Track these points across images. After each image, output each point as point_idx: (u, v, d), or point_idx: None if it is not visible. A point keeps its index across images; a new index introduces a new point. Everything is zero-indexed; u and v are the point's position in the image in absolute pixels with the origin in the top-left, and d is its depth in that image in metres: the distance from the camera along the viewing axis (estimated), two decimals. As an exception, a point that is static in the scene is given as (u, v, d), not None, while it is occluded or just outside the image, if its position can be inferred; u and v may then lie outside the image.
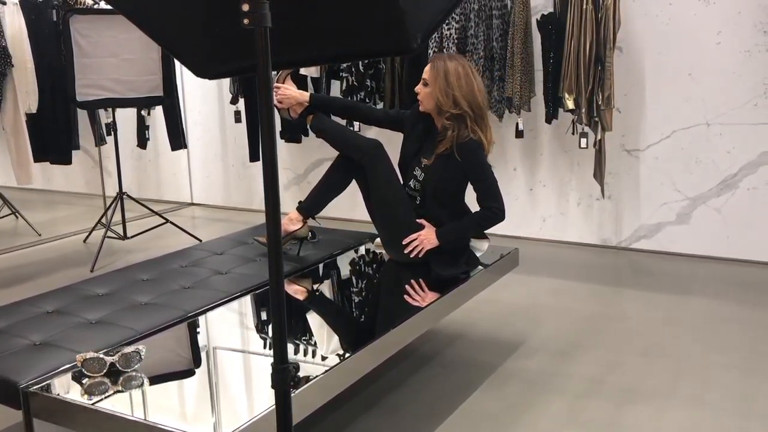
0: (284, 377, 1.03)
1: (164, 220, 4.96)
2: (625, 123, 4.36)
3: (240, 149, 5.84)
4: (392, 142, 3.08)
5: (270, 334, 2.45)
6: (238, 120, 5.37)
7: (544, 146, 4.69)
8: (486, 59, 4.25)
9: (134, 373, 1.99)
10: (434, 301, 2.55)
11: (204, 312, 2.49)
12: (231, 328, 2.53)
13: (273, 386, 1.05)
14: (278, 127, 5.35)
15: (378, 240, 3.21)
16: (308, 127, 3.09)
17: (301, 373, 2.05)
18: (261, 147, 1.04)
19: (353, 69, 4.62)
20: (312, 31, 1.15)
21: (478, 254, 2.93)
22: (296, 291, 2.83)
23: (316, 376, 1.94)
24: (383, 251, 3.16)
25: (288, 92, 3.04)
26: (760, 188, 4.15)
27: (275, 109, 3.09)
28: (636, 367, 2.96)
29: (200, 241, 4.89)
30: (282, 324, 1.08)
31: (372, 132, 4.18)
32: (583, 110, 4.03)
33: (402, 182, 2.93)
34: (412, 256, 2.81)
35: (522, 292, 3.83)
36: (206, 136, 6.04)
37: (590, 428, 2.52)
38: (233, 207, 6.06)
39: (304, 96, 3.05)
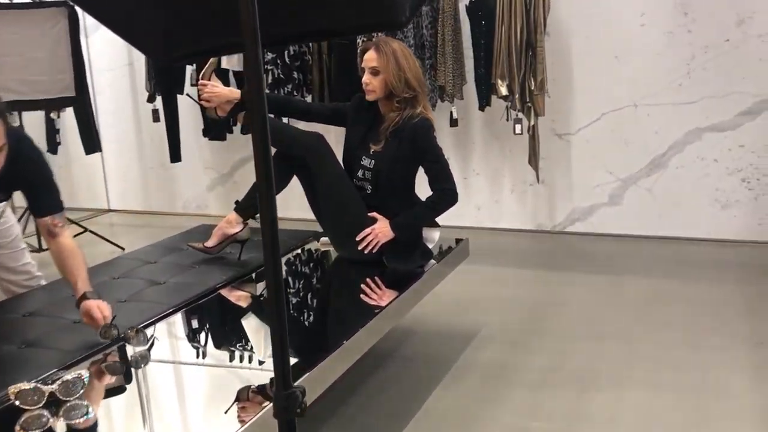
0: (290, 404, 0.90)
1: (83, 229, 4.65)
2: (555, 107, 4.36)
3: (158, 150, 5.55)
4: (330, 136, 2.96)
5: (234, 345, 2.29)
6: (156, 119, 5.09)
7: (476, 134, 4.65)
8: (416, 47, 4.16)
9: (78, 402, 1.79)
10: (395, 299, 2.44)
11: (146, 327, 2.29)
12: (180, 343, 2.34)
13: (276, 415, 0.91)
14: (201, 125, 5.11)
15: (324, 238, 3.07)
16: (241, 125, 2.91)
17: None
18: (254, 153, 0.90)
19: (279, 61, 4.45)
20: (297, 4, 1.02)
21: (430, 245, 2.84)
22: (242, 298, 2.66)
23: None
24: (331, 249, 3.03)
25: (216, 90, 2.85)
26: (688, 166, 4.24)
27: (201, 108, 2.90)
28: (588, 353, 2.95)
29: (123, 249, 4.62)
30: (284, 343, 0.95)
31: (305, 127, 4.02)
32: (517, 96, 4.00)
33: (348, 175, 2.80)
34: (366, 252, 2.68)
35: (465, 283, 3.76)
36: (121, 138, 5.71)
37: (555, 418, 2.47)
38: (154, 212, 5.76)
39: (234, 93, 2.87)
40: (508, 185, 4.67)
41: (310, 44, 4.54)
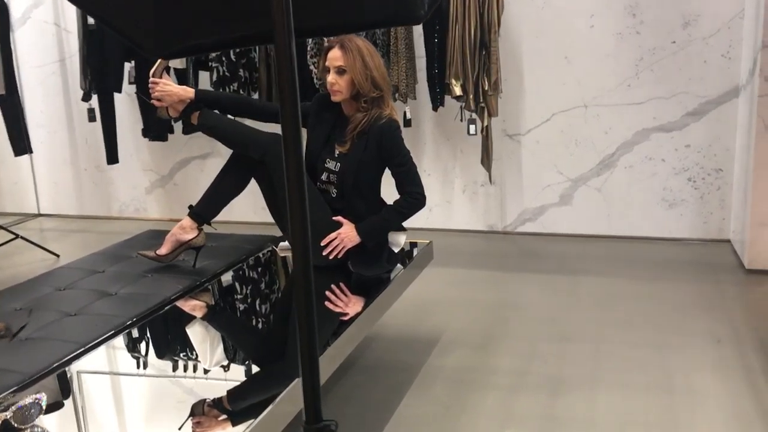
0: None
1: (14, 235, 4.37)
2: (506, 108, 4.35)
3: (93, 151, 5.29)
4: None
5: (191, 358, 2.15)
6: (92, 119, 4.84)
7: (427, 135, 4.60)
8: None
9: (36, 429, 1.63)
10: (368, 306, 2.34)
11: (102, 342, 2.13)
12: (141, 359, 2.19)
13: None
14: (139, 125, 4.88)
15: (284, 243, 2.95)
16: (183, 126, 2.76)
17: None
18: (285, 162, 0.80)
19: (224, 58, 4.28)
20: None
21: (396, 249, 2.75)
22: (198, 308, 2.52)
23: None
24: (288, 255, 2.91)
25: (168, 88, 2.69)
26: (636, 166, 4.30)
27: (152, 107, 2.74)
28: (555, 355, 2.92)
29: (57, 256, 4.37)
30: (314, 374, 0.84)
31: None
32: (471, 96, 3.96)
33: (311, 178, 2.68)
34: (331, 257, 2.58)
35: (421, 286, 3.68)
36: (52, 139, 5.41)
37: (529, 423, 2.43)
38: (88, 216, 5.48)
39: (188, 92, 2.71)
40: (459, 186, 4.63)
41: (256, 42, 4.39)
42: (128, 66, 4.65)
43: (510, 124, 4.43)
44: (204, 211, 2.73)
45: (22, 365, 1.93)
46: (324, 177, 2.66)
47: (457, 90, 3.95)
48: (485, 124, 4.06)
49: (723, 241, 4.22)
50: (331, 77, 2.56)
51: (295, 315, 2.49)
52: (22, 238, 4.40)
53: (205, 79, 4.49)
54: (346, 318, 2.30)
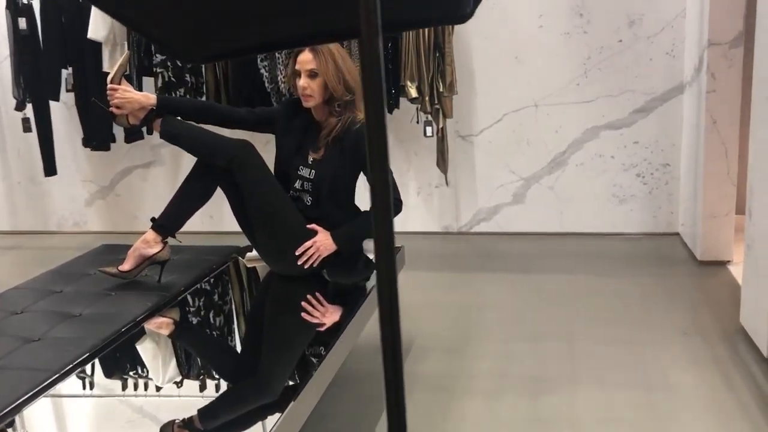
0: None
1: (-54, 256, 4.10)
2: (458, 109, 4.34)
3: (27, 163, 5.02)
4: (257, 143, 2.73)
5: (167, 378, 2.03)
6: (27, 129, 4.58)
7: (380, 137, 4.55)
8: (320, 49, 3.99)
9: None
10: (353, 317, 2.28)
11: (78, 367, 1.99)
12: (121, 382, 2.06)
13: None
14: (78, 134, 4.66)
15: (251, 254, 2.85)
16: (157, 132, 2.62)
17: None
18: (369, 161, 0.74)
19: (169, 64, 4.13)
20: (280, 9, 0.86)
21: (371, 255, 2.69)
22: (170, 327, 2.40)
23: None
24: (259, 266, 2.82)
25: (128, 95, 2.55)
26: (587, 163, 4.37)
27: (111, 115, 2.60)
28: (530, 355, 2.92)
29: (-5, 275, 4.13)
30: (400, 401, 0.78)
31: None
32: (426, 98, 3.94)
33: (284, 187, 2.59)
34: (307, 266, 2.50)
35: (386, 290, 3.66)
36: (-20, 151, 5.11)
37: (516, 425, 2.42)
38: (23, 231, 5.20)
39: (149, 98, 2.58)
40: (414, 188, 4.61)
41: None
42: (65, 73, 4.43)
43: (462, 125, 4.44)
44: (168, 223, 2.61)
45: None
46: (297, 185, 2.58)
47: (413, 92, 3.92)
48: (441, 125, 4.05)
49: (672, 234, 4.33)
50: (302, 81, 2.47)
51: (269, 327, 2.42)
52: (-46, 257, 4.14)
53: (149, 85, 4.31)
54: (332, 330, 2.22)
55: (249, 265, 2.88)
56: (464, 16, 0.97)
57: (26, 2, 4.34)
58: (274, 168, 2.62)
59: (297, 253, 2.49)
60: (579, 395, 2.58)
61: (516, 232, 4.53)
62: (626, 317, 3.24)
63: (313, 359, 2.06)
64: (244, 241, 3.03)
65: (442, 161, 4.15)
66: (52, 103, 4.50)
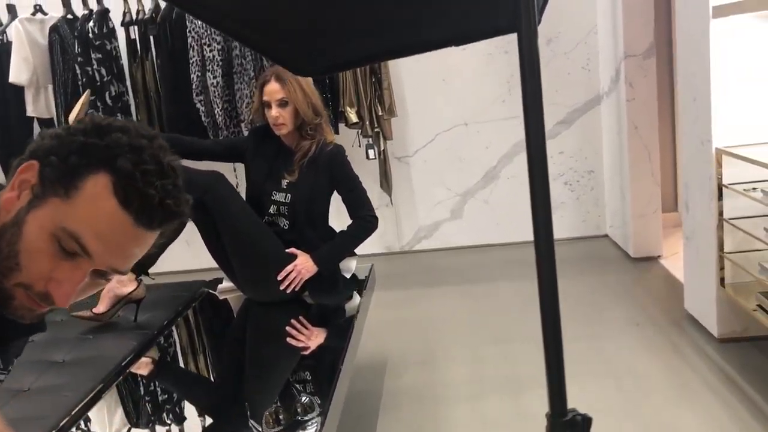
0: None
1: None
2: (393, 132, 4.46)
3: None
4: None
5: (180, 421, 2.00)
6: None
7: (316, 164, 4.61)
8: (256, 80, 4.02)
9: None
10: (350, 336, 2.31)
11: (79, 415, 1.93)
12: (126, 426, 2.01)
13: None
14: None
15: (224, 285, 2.83)
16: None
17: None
18: (530, 172, 0.81)
19: (99, 104, 4.04)
20: (441, 6, 0.94)
21: (347, 275, 2.74)
22: (160, 368, 2.36)
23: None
24: (228, 297, 2.80)
25: None
26: (518, 176, 4.58)
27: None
28: (501, 357, 3.04)
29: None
30: (560, 364, 0.85)
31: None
32: (367, 122, 4.04)
33: (257, 213, 2.61)
34: (289, 291, 2.51)
35: (345, 313, 3.70)
36: None
37: (505, 425, 2.51)
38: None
39: None
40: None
41: (128, 80, 4.19)
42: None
43: (397, 146, 4.56)
44: (141, 260, 2.56)
45: None
46: (272, 209, 2.61)
47: (353, 117, 4.01)
48: (382, 147, 4.15)
49: (601, 236, 4.60)
50: (274, 111, 2.51)
51: (263, 357, 2.40)
52: None
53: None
54: (335, 354, 2.25)
55: (221, 297, 2.86)
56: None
57: (-63, 48, 4.15)
58: (246, 195, 2.64)
59: (279, 278, 2.51)
60: (557, 390, 2.71)
61: (456, 246, 4.68)
62: (578, 315, 3.42)
63: (321, 384, 2.08)
64: (207, 276, 3.02)
65: (385, 182, 4.25)
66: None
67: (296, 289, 2.54)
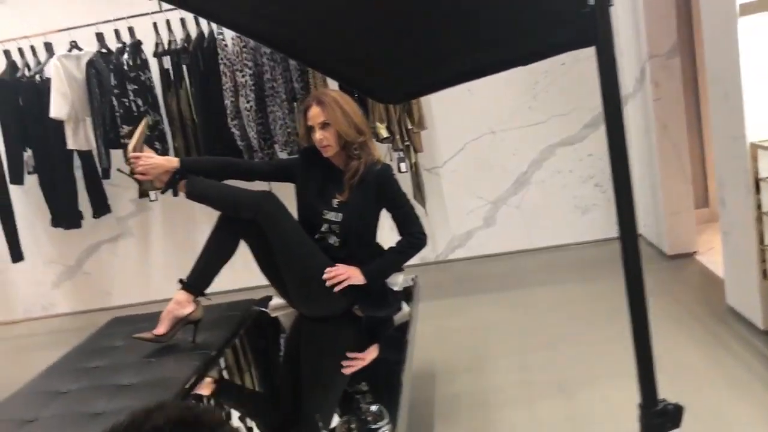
0: (666, 421, 0.86)
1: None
2: (422, 144, 4.54)
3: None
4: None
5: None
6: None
7: (348, 180, 4.69)
8: (288, 101, 4.12)
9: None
10: (406, 347, 2.38)
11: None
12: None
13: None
14: (37, 217, 4.58)
15: (275, 302, 2.91)
16: (183, 194, 2.68)
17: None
18: (611, 158, 0.88)
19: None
20: (525, 24, 1.01)
21: (395, 288, 2.80)
22: (222, 387, 2.43)
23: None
24: (280, 314, 2.88)
25: (152, 161, 2.61)
26: (548, 180, 4.63)
27: (136, 182, 2.64)
28: (548, 362, 3.09)
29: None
30: (649, 356, 0.91)
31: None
32: (397, 137, 4.11)
33: (308, 232, 2.68)
34: (336, 289, 2.56)
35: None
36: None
37: (559, 425, 2.56)
38: (-14, 323, 5.01)
39: (171, 161, 2.65)
40: (387, 223, 4.73)
41: (164, 112, 4.31)
42: (26, 155, 4.38)
43: (427, 158, 4.63)
44: (197, 281, 2.65)
45: None
46: (324, 228, 2.67)
47: (384, 132, 4.09)
48: (414, 160, 4.23)
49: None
50: (318, 134, 2.59)
51: (323, 372, 2.46)
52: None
53: (117, 156, 4.31)
54: (396, 365, 2.31)
55: (273, 314, 2.93)
56: (591, 40, 1.13)
57: (-22, 89, 4.28)
58: (298, 215, 2.71)
59: (325, 276, 2.55)
60: (610, 390, 2.75)
61: (490, 254, 4.73)
62: (620, 315, 3.43)
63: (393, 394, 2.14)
64: (249, 294, 3.11)
65: (419, 193, 4.32)
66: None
67: (339, 286, 2.56)
